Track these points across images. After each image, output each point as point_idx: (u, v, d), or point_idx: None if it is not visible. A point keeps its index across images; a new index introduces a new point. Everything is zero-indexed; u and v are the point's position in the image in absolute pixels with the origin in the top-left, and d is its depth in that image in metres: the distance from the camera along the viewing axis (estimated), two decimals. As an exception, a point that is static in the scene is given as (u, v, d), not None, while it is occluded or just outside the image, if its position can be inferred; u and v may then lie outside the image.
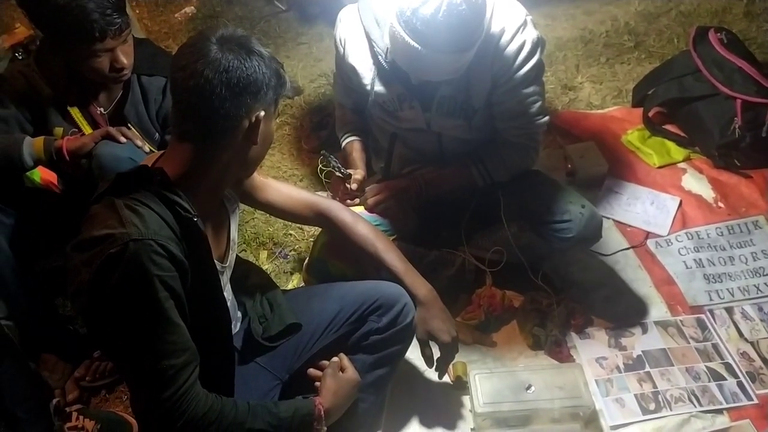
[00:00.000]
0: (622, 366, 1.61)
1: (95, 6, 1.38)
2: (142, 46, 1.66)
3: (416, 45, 1.27)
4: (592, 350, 1.64)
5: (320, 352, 1.36)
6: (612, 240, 1.91)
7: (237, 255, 1.55)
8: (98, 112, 1.63)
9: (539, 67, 1.48)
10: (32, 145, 1.49)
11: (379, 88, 1.54)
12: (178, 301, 1.01)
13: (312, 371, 1.30)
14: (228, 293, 1.30)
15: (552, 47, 2.75)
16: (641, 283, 1.80)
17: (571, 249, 1.61)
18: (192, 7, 3.27)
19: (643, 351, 1.63)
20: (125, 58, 1.49)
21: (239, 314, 1.39)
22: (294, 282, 1.88)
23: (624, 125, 2.29)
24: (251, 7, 3.24)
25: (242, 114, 1.03)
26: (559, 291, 1.73)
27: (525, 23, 1.43)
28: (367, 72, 1.53)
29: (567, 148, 2.18)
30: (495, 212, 1.61)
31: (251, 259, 1.95)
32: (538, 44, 1.45)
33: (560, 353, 1.62)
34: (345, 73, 1.61)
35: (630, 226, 1.96)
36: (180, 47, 1.04)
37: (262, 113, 1.06)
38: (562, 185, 1.63)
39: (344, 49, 1.54)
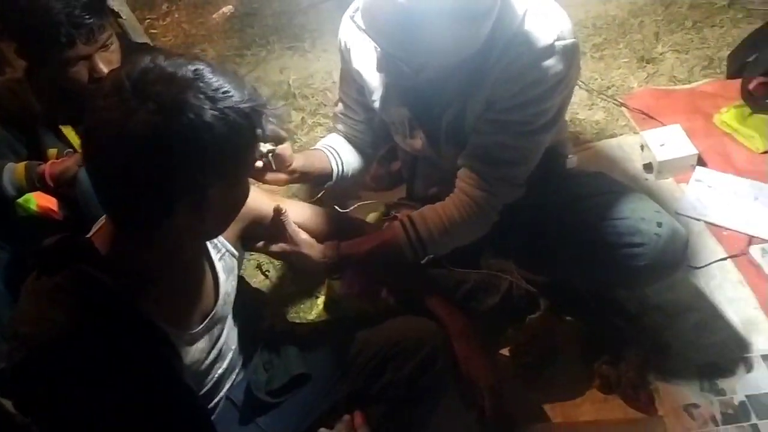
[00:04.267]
0: (719, 416, 1.29)
1: (62, 6, 1.23)
2: (139, 53, 1.49)
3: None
4: (679, 395, 1.33)
5: (332, 407, 1.17)
6: (704, 249, 1.58)
7: (255, 288, 1.40)
8: (92, 130, 1.49)
9: (542, 114, 1.13)
10: (13, 171, 1.38)
11: (387, 106, 1.29)
12: (102, 406, 0.82)
13: (322, 432, 1.12)
14: (231, 342, 1.15)
15: (626, 14, 2.47)
16: (743, 303, 1.47)
17: (644, 279, 1.27)
18: (230, 6, 3.17)
19: (747, 396, 1.31)
20: (106, 66, 1.33)
21: (240, 361, 1.22)
22: (319, 308, 1.68)
23: (717, 102, 1.96)
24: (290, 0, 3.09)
25: (177, 195, 0.78)
26: (634, 317, 1.43)
27: (554, 49, 1.08)
28: (375, 82, 1.27)
29: (644, 134, 1.86)
30: (545, 232, 1.32)
31: (275, 280, 1.77)
32: (559, 83, 1.10)
33: (638, 399, 1.32)
34: (350, 85, 1.35)
35: (727, 229, 1.63)
36: (90, 100, 0.76)
37: (210, 189, 0.80)
38: (633, 193, 1.29)
39: (349, 54, 1.28)
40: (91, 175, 0.80)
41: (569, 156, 1.46)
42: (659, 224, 1.20)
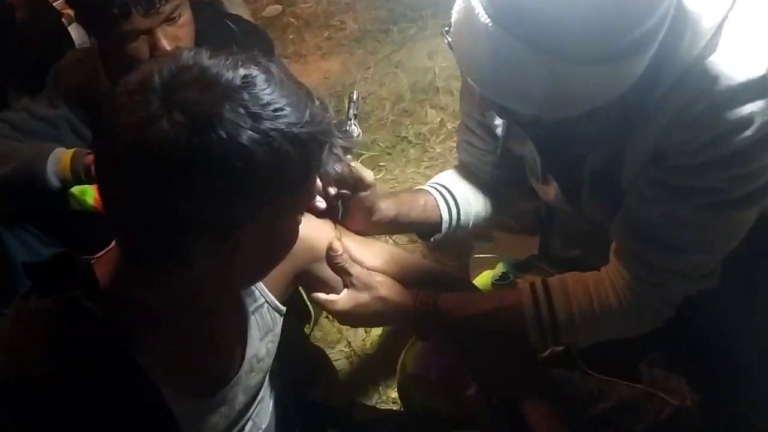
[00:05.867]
0: None
1: None
2: (204, 13, 1.25)
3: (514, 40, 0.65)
4: None
5: None
6: None
7: (313, 345, 1.20)
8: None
9: (746, 180, 0.75)
10: (59, 160, 1.19)
11: (510, 138, 0.97)
12: None
13: None
14: (260, 419, 0.91)
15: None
16: None
17: None
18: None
19: None
20: (171, 43, 1.11)
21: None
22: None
23: None
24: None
25: (194, 231, 0.61)
26: None
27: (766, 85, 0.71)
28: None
29: None
30: (739, 345, 0.93)
31: (350, 336, 1.42)
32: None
33: None
34: (473, 103, 1.02)
35: None
36: (112, 95, 0.62)
37: (238, 231, 0.62)
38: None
39: None
40: (100, 185, 0.65)
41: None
42: None
